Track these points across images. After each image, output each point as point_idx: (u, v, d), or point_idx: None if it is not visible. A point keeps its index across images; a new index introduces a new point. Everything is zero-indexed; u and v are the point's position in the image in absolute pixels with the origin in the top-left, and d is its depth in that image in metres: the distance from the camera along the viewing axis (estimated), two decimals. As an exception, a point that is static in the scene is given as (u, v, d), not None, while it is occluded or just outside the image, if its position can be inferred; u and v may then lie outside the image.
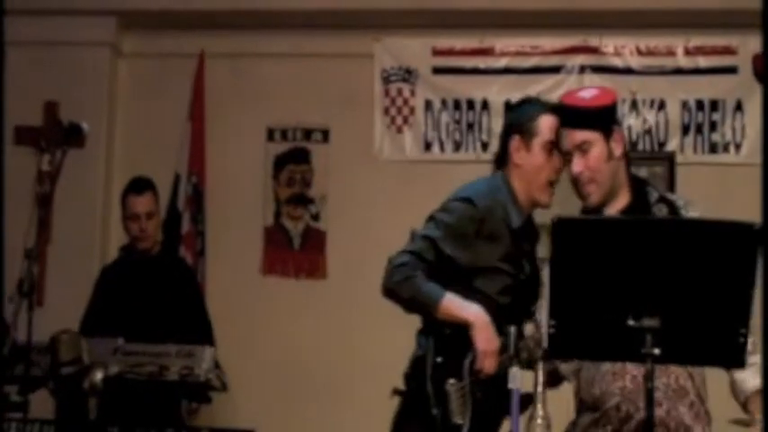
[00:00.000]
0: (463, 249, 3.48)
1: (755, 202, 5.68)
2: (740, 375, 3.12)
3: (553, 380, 3.24)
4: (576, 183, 3.28)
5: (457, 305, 3.43)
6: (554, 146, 3.46)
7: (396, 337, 6.02)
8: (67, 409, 4.50)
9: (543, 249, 6.18)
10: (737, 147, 6.15)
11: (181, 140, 6.25)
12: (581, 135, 3.23)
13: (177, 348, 4.57)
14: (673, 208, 3.22)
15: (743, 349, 2.73)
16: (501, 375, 3.28)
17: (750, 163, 6.11)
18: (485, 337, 3.37)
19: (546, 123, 3.52)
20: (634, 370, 3.13)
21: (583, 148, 3.23)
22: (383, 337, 6.02)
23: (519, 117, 3.64)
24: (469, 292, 3.46)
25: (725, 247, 2.71)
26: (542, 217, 5.85)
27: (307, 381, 6.01)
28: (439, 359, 3.45)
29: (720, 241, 2.73)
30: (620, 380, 3.17)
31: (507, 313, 3.42)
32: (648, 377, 2.68)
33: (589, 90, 3.36)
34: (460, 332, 3.42)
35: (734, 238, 2.72)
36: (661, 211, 3.22)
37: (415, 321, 6.16)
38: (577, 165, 3.25)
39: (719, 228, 2.79)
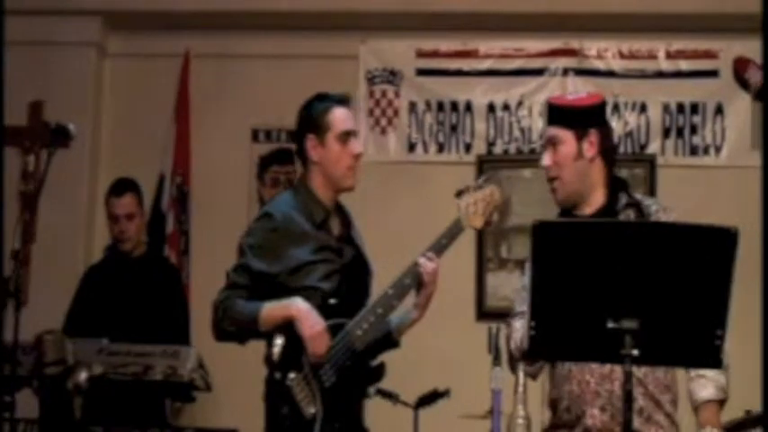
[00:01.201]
0: (273, 260, 3.57)
1: (735, 205, 5.78)
2: (692, 385, 3.18)
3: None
4: (546, 176, 3.36)
5: (276, 308, 3.51)
6: (348, 134, 3.65)
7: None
8: (52, 409, 4.52)
9: (525, 250, 6.26)
10: (718, 150, 6.22)
11: (165, 141, 6.26)
12: (553, 130, 3.31)
13: (161, 348, 4.60)
14: (641, 213, 3.25)
15: (719, 350, 2.75)
16: (352, 355, 3.51)
17: (730, 166, 6.19)
18: (308, 324, 3.45)
19: (337, 115, 3.69)
20: (579, 374, 3.19)
21: (552, 141, 3.31)
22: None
23: (310, 115, 3.74)
24: (292, 291, 3.55)
25: (702, 251, 2.74)
26: (523, 219, 5.90)
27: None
28: (276, 356, 3.50)
29: (698, 244, 2.75)
30: (567, 384, 3.22)
31: (340, 295, 3.58)
32: (627, 379, 2.71)
33: (579, 93, 3.51)
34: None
35: (711, 242, 2.75)
36: (629, 216, 3.26)
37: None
38: (546, 158, 3.33)
39: (697, 231, 2.82)
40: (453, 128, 6.32)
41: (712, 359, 2.79)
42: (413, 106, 6.34)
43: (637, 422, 3.11)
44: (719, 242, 2.74)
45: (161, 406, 5.09)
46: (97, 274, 5.34)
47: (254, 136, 6.40)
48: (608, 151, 3.34)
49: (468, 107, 6.31)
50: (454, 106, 6.32)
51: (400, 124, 6.33)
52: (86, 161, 6.22)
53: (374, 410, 5.24)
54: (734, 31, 6.18)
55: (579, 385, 3.18)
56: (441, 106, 6.33)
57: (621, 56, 6.27)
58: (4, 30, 3.80)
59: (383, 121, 6.35)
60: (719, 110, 6.22)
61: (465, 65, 6.33)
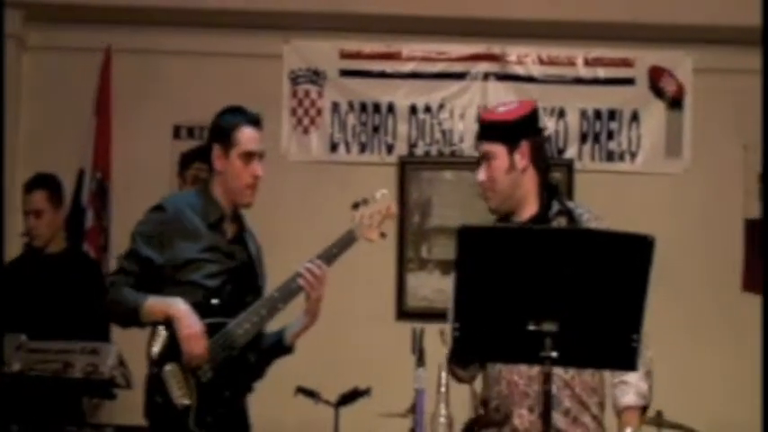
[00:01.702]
0: (161, 250, 3.71)
1: (649, 210, 5.94)
2: (615, 391, 3.26)
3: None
4: (479, 188, 3.42)
5: (158, 304, 3.65)
6: (252, 155, 3.81)
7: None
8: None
9: (445, 251, 6.36)
10: (633, 156, 6.37)
11: (86, 136, 6.22)
12: (485, 146, 3.38)
13: (81, 345, 4.58)
14: (572, 220, 3.33)
15: (635, 353, 2.84)
16: (232, 353, 3.64)
17: (644, 172, 6.34)
18: (185, 324, 3.58)
19: (244, 135, 3.84)
20: (508, 375, 3.26)
21: (486, 158, 3.37)
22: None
23: (219, 126, 3.91)
24: (177, 284, 3.68)
25: (619, 257, 2.82)
26: (444, 220, 5.98)
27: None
28: (156, 349, 3.63)
29: (615, 251, 2.83)
30: (496, 384, 3.29)
31: (223, 295, 3.72)
32: (546, 380, 2.80)
33: (508, 104, 3.51)
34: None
35: (628, 249, 2.83)
36: (560, 223, 3.32)
37: (319, 318, 6.27)
38: (480, 174, 3.39)
39: (614, 238, 2.92)
40: (375, 129, 6.38)
41: (628, 362, 2.87)
42: (336, 106, 6.38)
43: (563, 423, 3.22)
44: (636, 249, 2.82)
45: (78, 403, 5.07)
46: (14, 269, 5.30)
47: (176, 133, 6.39)
48: (540, 160, 3.41)
49: (391, 109, 6.37)
50: (377, 107, 6.38)
51: (323, 124, 6.37)
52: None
53: (295, 409, 5.33)
54: (650, 41, 6.34)
55: (508, 386, 3.26)
56: (363, 107, 6.38)
57: (541, 62, 6.37)
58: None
59: (306, 121, 6.38)
60: (635, 117, 6.36)
61: (388, 67, 6.39)
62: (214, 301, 3.70)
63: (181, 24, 6.30)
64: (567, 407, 3.24)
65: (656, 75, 6.37)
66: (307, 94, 6.39)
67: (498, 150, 3.35)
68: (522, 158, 3.35)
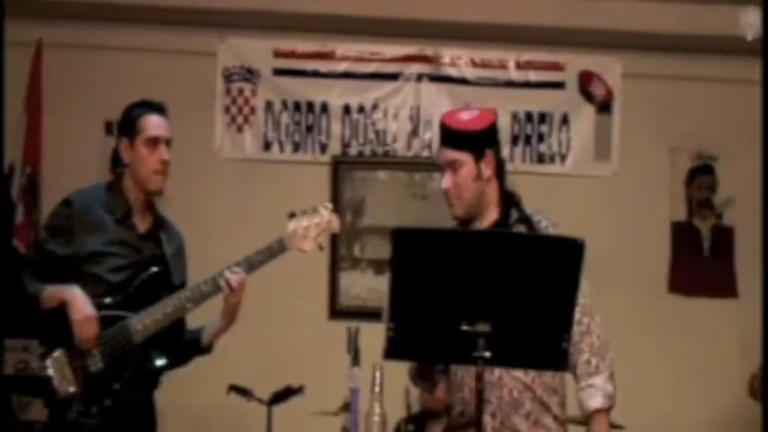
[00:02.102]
0: (66, 243, 3.76)
1: (579, 212, 6.04)
2: (581, 395, 3.29)
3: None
4: (445, 195, 3.43)
5: (55, 290, 3.70)
6: (157, 140, 3.82)
7: (230, 333, 6.15)
8: None
9: (378, 251, 6.41)
10: (563, 158, 6.45)
11: (16, 130, 6.16)
12: (452, 154, 3.38)
13: (11, 342, 4.56)
14: (531, 228, 3.37)
15: (565, 353, 2.91)
16: (128, 347, 3.66)
17: (574, 174, 6.43)
18: (76, 308, 3.63)
19: (149, 122, 3.86)
20: (471, 382, 3.24)
21: (453, 166, 3.37)
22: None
23: (125, 120, 3.93)
24: (81, 277, 3.72)
25: (550, 260, 2.89)
26: (377, 220, 6.04)
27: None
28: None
29: (546, 254, 2.91)
30: (459, 391, 3.33)
31: (127, 290, 3.74)
32: (479, 378, 2.86)
33: (470, 111, 3.49)
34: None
35: (559, 252, 2.91)
36: (519, 230, 3.36)
37: (253, 314, 6.30)
38: (446, 181, 3.39)
39: (546, 241, 3.01)
40: (309, 128, 6.39)
41: (558, 361, 2.95)
42: (269, 105, 6.39)
43: (524, 426, 3.27)
44: (566, 252, 2.90)
45: (7, 400, 5.03)
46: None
47: (108, 129, 6.34)
48: (500, 168, 3.45)
49: (325, 108, 6.39)
50: (310, 107, 6.40)
51: (257, 122, 6.37)
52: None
53: (228, 406, 5.35)
54: (580, 46, 6.43)
55: (471, 392, 3.24)
56: (297, 106, 6.40)
57: (474, 64, 6.43)
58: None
59: (239, 119, 6.39)
60: (565, 120, 6.45)
61: (322, 66, 6.41)
62: (116, 295, 3.71)
63: (115, 20, 6.27)
64: (528, 410, 3.28)
65: (585, 79, 6.46)
66: (240, 92, 6.40)
67: (465, 159, 3.37)
68: (487, 168, 3.38)
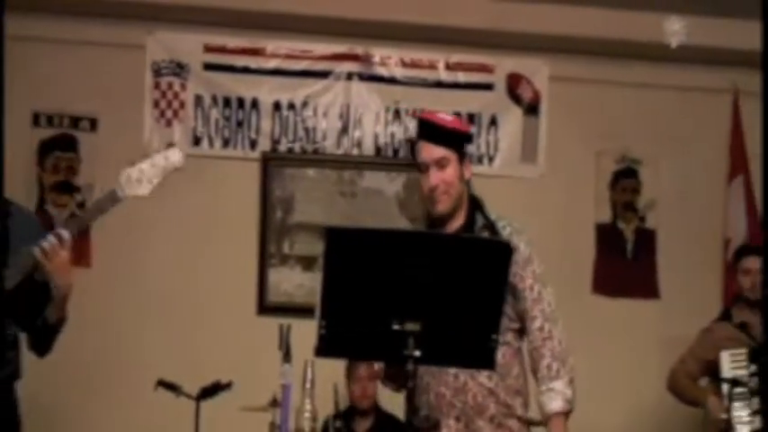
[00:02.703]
0: None
1: (506, 213, 6.11)
2: (542, 398, 3.38)
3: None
4: (431, 192, 3.43)
5: None
6: None
7: (158, 328, 6.18)
8: None
9: (307, 247, 6.44)
10: (491, 159, 6.50)
11: (-60, 121, 6.10)
12: (441, 151, 3.42)
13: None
14: (495, 234, 3.44)
15: (493, 352, 3.00)
16: None
17: (502, 175, 6.47)
18: None
19: None
20: (436, 387, 3.36)
21: (441, 163, 3.40)
22: (146, 328, 6.11)
23: None
24: None
25: (479, 262, 2.97)
26: (306, 216, 6.07)
27: (73, 371, 5.95)
28: None
29: (475, 256, 2.98)
30: (425, 394, 3.38)
31: None
32: (411, 376, 2.93)
33: (445, 114, 3.58)
34: None
35: (487, 254, 2.99)
36: (484, 236, 3.43)
37: (181, 309, 6.30)
38: (435, 177, 3.41)
39: (475, 243, 3.09)
40: (239, 124, 6.38)
41: (487, 361, 3.03)
42: (199, 100, 6.36)
43: (488, 429, 3.35)
44: (495, 254, 2.99)
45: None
46: None
47: (35, 120, 6.31)
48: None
49: (255, 104, 6.38)
50: (240, 102, 6.38)
51: (186, 117, 6.33)
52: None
53: (155, 401, 5.35)
54: (509, 48, 6.49)
55: (436, 397, 3.35)
56: (227, 102, 6.38)
57: (404, 64, 6.46)
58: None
59: (168, 113, 6.35)
60: (493, 122, 6.50)
61: (252, 62, 6.39)
62: None
63: (43, 10, 6.19)
64: (492, 413, 3.35)
65: (513, 81, 6.52)
66: (170, 86, 6.36)
67: (452, 157, 3.42)
68: (467, 170, 3.46)
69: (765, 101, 4.79)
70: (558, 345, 3.39)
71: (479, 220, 3.48)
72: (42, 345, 3.72)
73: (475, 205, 3.51)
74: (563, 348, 3.40)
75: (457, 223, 3.45)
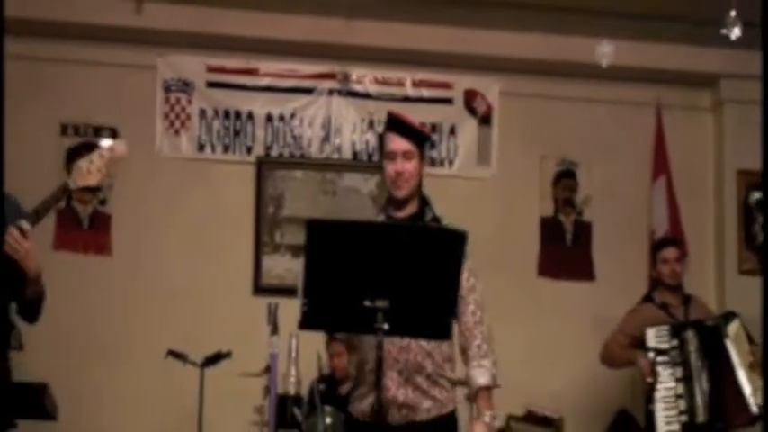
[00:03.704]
0: None
1: (463, 208, 6.09)
2: (472, 372, 3.34)
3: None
4: (397, 176, 3.36)
5: None
6: None
7: (168, 306, 6.16)
8: None
9: (296, 237, 6.42)
10: (451, 162, 6.50)
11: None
12: (408, 145, 3.37)
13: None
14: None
15: (449, 326, 3.01)
16: None
17: (460, 176, 6.47)
18: None
19: None
20: (387, 345, 3.21)
21: (408, 155, 3.35)
22: (159, 306, 6.09)
23: None
24: None
25: (438, 248, 2.96)
26: (294, 211, 6.05)
27: (94, 342, 5.97)
28: None
29: (435, 243, 2.98)
30: (372, 350, 3.22)
31: None
32: (379, 346, 2.93)
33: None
34: None
35: (445, 241, 2.99)
36: None
37: (188, 290, 6.28)
38: (401, 165, 3.35)
39: (435, 232, 3.08)
40: (237, 133, 6.35)
41: (444, 333, 3.04)
42: (203, 113, 6.34)
43: (425, 384, 3.30)
44: (452, 241, 2.98)
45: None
46: None
47: (63, 130, 6.28)
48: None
49: (250, 116, 6.36)
50: (238, 115, 6.36)
51: (191, 127, 6.32)
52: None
53: (165, 369, 5.34)
54: (465, 68, 6.47)
55: (386, 353, 3.19)
56: (227, 114, 6.36)
57: (377, 82, 6.45)
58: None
59: (177, 124, 6.34)
60: (453, 131, 6.49)
61: (248, 81, 6.37)
62: None
63: (69, 36, 6.17)
64: (428, 372, 3.31)
65: (470, 96, 6.51)
66: (178, 101, 6.34)
67: (416, 154, 3.38)
68: (423, 168, 3.43)
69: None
70: (486, 329, 3.36)
71: (428, 213, 3.45)
72: (27, 314, 3.60)
73: (424, 200, 3.48)
74: (490, 333, 3.37)
75: (410, 210, 3.41)
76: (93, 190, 6.16)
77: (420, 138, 3.43)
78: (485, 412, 3.30)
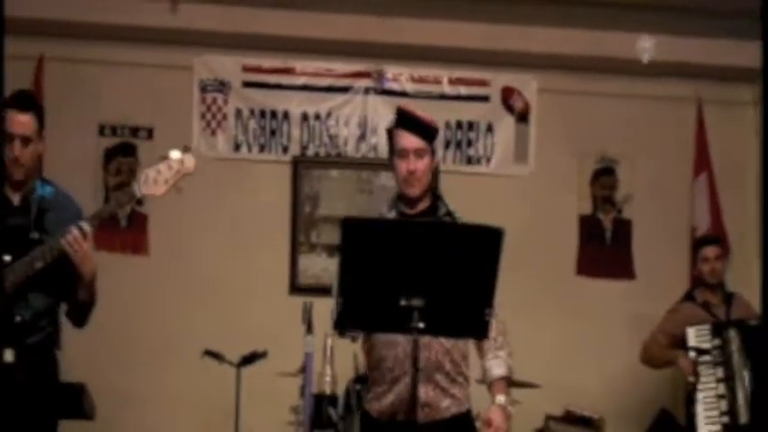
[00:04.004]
0: None
1: (501, 205, 6.08)
2: (489, 364, 3.32)
3: None
4: (410, 175, 3.33)
5: None
6: (10, 137, 3.43)
7: (205, 306, 6.16)
8: None
9: (331, 237, 6.40)
10: (488, 160, 6.46)
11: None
12: (421, 143, 3.33)
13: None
14: (454, 221, 3.37)
15: (487, 325, 2.95)
16: None
17: (497, 174, 6.45)
18: None
19: (6, 117, 3.45)
20: (405, 343, 3.25)
21: (420, 153, 3.32)
22: (195, 306, 6.10)
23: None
24: None
25: (475, 245, 2.92)
26: (330, 210, 6.05)
27: (131, 342, 5.99)
28: None
29: (472, 240, 2.94)
30: (393, 349, 3.29)
31: None
32: (415, 346, 2.89)
33: (424, 113, 3.45)
34: None
35: (482, 238, 2.94)
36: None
37: (224, 290, 6.28)
38: (413, 164, 3.31)
39: (471, 229, 3.03)
40: (273, 132, 6.35)
41: (482, 331, 2.99)
42: (239, 112, 6.34)
43: (444, 382, 3.30)
44: (489, 239, 2.93)
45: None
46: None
47: (101, 131, 6.31)
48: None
49: (286, 116, 6.36)
50: (274, 114, 6.36)
51: (228, 127, 6.32)
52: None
53: (201, 369, 5.33)
54: (503, 65, 6.44)
55: (404, 351, 3.24)
56: (263, 114, 6.35)
57: (413, 80, 6.42)
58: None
59: (213, 124, 6.35)
60: (490, 128, 6.45)
61: (284, 80, 6.36)
62: None
63: (107, 38, 6.18)
64: (447, 370, 3.30)
65: (507, 93, 6.47)
66: (214, 101, 6.35)
67: (428, 150, 3.35)
68: (433, 163, 3.39)
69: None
70: (501, 324, 3.32)
71: (442, 208, 3.41)
72: (76, 318, 3.63)
73: (436, 195, 3.43)
74: (505, 327, 3.35)
75: (423, 206, 3.38)
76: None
77: (431, 133, 3.39)
78: (500, 397, 3.28)
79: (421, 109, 6.43)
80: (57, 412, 3.61)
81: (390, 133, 3.43)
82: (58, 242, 3.36)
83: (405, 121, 3.38)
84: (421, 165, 3.32)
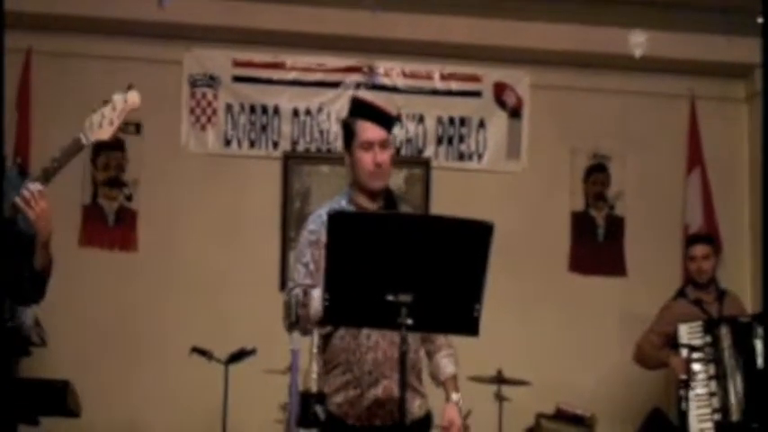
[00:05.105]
0: None
1: (493, 201, 6.04)
2: (443, 361, 3.30)
3: None
4: (377, 168, 3.22)
5: None
6: None
7: (193, 303, 6.10)
8: None
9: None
10: (480, 156, 6.42)
11: (7, 127, 6.00)
12: (384, 134, 3.24)
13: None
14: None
15: (477, 321, 2.88)
16: None
17: (489, 170, 6.42)
18: None
19: None
20: (385, 346, 3.20)
21: (384, 144, 3.23)
22: (184, 302, 6.04)
23: None
24: None
25: (464, 240, 2.87)
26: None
27: (119, 339, 5.95)
28: None
29: (461, 234, 2.88)
30: (372, 352, 3.21)
31: None
32: (403, 342, 2.82)
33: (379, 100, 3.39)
34: None
35: (471, 233, 2.88)
36: (406, 210, 3.37)
37: (213, 286, 6.22)
38: (380, 155, 3.21)
39: (461, 223, 2.96)
40: (263, 128, 6.30)
41: (471, 327, 2.91)
42: (229, 107, 6.30)
43: (416, 382, 3.27)
44: (478, 233, 2.88)
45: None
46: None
47: (89, 126, 6.23)
48: None
49: (276, 111, 6.31)
50: (264, 109, 6.31)
51: (218, 122, 6.27)
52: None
53: (189, 366, 5.27)
54: (494, 61, 6.41)
55: (384, 354, 3.18)
56: (253, 109, 6.31)
57: (404, 75, 6.39)
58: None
59: (203, 119, 6.29)
60: (482, 124, 6.42)
61: (274, 75, 6.32)
62: None
63: (95, 31, 6.15)
64: (418, 368, 3.29)
65: (499, 89, 6.44)
66: (204, 95, 6.29)
67: (390, 141, 3.27)
68: (394, 153, 3.32)
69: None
70: None
71: (400, 204, 3.33)
72: (35, 291, 3.45)
73: (388, 189, 3.31)
74: None
75: (381, 199, 3.27)
76: (121, 184, 6.13)
77: (392, 123, 3.31)
78: (455, 395, 3.27)
79: (411, 105, 6.51)
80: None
81: (347, 124, 3.29)
82: (13, 202, 3.23)
83: (364, 111, 3.27)
84: (386, 156, 3.23)
